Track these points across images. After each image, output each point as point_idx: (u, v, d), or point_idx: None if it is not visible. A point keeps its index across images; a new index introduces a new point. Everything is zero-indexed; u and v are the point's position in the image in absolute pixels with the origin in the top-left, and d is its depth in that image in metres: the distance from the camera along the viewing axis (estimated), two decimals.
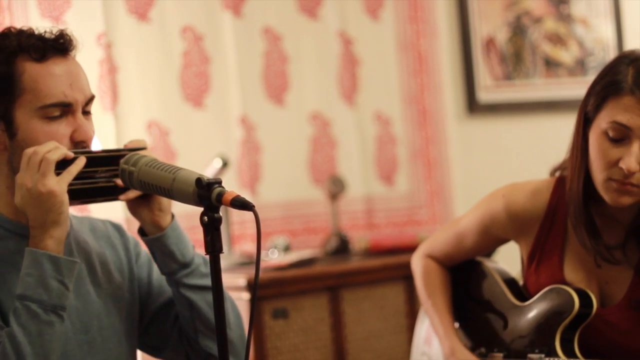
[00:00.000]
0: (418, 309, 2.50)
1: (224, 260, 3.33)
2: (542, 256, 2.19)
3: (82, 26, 3.31)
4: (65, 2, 3.35)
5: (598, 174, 2.04)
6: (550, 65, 4.64)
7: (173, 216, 1.94)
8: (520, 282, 2.29)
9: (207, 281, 1.93)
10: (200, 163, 3.56)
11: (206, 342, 1.97)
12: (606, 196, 2.04)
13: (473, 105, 4.42)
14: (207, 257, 1.65)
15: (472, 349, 2.29)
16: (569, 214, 2.14)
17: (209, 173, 3.47)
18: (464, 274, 2.37)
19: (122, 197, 1.88)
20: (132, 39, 3.55)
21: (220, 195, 1.65)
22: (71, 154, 1.79)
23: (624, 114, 2.00)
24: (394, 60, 4.23)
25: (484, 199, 2.29)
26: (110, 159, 1.85)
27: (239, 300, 2.97)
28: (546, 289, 2.16)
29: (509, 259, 2.55)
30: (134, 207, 1.92)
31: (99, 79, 3.39)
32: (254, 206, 1.64)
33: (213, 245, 1.64)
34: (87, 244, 1.96)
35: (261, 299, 3.28)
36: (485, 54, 4.46)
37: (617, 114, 2.00)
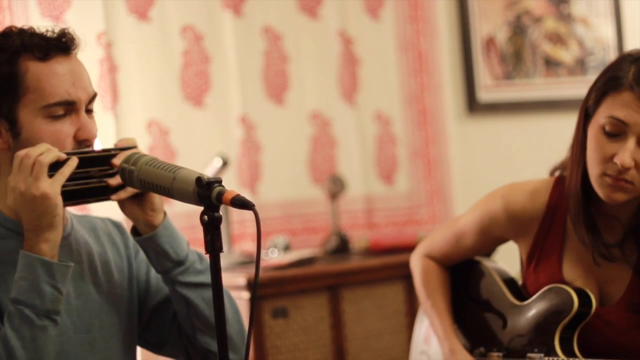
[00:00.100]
0: (418, 308, 2.49)
1: (224, 260, 3.33)
2: (541, 256, 2.19)
3: (82, 25, 3.30)
4: (65, 2, 3.35)
5: (593, 169, 2.04)
6: (551, 64, 4.63)
7: (165, 214, 1.93)
8: (520, 282, 2.29)
9: (203, 278, 1.93)
10: (200, 162, 3.55)
11: (204, 339, 1.96)
12: (600, 191, 2.04)
13: (473, 105, 4.42)
14: (203, 253, 1.65)
15: (471, 349, 2.29)
16: (568, 211, 2.14)
17: (209, 172, 3.47)
18: (463, 274, 2.36)
19: (113, 197, 1.87)
20: (132, 38, 3.55)
21: (221, 194, 1.66)
22: (64, 156, 1.78)
23: (622, 109, 2.00)
24: (394, 59, 4.23)
25: (483, 198, 2.29)
26: (101, 159, 1.85)
27: (239, 299, 2.96)
28: (545, 288, 2.16)
29: (508, 259, 2.55)
30: (126, 206, 1.91)
31: (99, 78, 3.38)
32: (254, 205, 1.64)
33: (213, 244, 1.64)
34: (87, 243, 1.96)
35: (261, 298, 3.28)
36: (486, 53, 4.46)
37: (615, 109, 2.00)
